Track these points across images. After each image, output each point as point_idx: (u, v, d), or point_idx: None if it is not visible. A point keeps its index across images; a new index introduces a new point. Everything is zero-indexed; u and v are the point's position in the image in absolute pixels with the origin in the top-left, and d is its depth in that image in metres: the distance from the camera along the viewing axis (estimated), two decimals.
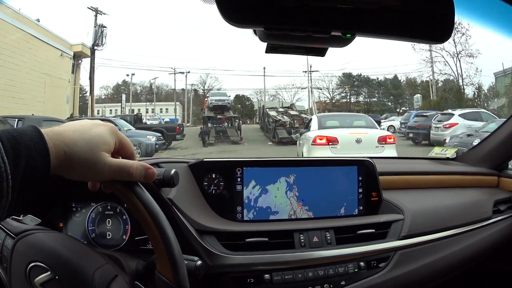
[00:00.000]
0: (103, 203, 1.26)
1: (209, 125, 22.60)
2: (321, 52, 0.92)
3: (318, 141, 8.48)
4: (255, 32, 0.79)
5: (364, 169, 1.46)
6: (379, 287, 1.30)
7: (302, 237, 1.29)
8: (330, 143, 8.34)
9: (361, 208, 1.45)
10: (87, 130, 0.71)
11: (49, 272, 0.77)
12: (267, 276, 1.21)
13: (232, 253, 1.21)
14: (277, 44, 0.87)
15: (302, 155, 9.04)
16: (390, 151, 8.29)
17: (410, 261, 1.38)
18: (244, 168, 1.37)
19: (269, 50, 0.90)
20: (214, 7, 0.67)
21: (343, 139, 8.44)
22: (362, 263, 1.30)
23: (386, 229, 1.39)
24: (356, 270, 1.29)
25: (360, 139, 8.46)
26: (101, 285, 0.76)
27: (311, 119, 10.77)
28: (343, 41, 0.80)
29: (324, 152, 8.14)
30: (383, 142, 8.48)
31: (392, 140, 8.67)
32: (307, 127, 10.46)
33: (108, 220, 1.26)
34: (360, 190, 1.45)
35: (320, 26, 0.72)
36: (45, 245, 0.82)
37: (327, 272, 1.26)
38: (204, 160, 1.39)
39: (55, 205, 1.23)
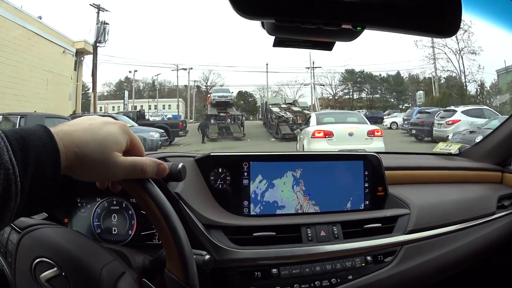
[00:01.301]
0: (108, 198, 1.26)
1: (212, 121, 22.62)
2: (328, 46, 0.92)
3: (316, 134, 10.00)
4: (263, 25, 0.79)
5: (370, 163, 1.46)
6: (385, 281, 1.30)
7: (309, 232, 1.29)
8: (326, 136, 9.85)
9: (367, 202, 1.45)
10: (97, 129, 0.68)
11: (55, 268, 0.76)
12: (274, 270, 1.21)
13: (240, 247, 1.21)
14: (285, 37, 0.87)
15: (303, 147, 10.43)
16: (377, 143, 9.75)
17: (416, 256, 1.38)
18: (251, 162, 1.37)
19: (277, 44, 0.89)
20: (220, 1, 0.67)
21: (338, 133, 9.92)
22: (369, 258, 1.31)
23: (392, 223, 1.39)
24: (363, 264, 1.29)
25: (352, 132, 9.96)
26: (109, 282, 0.76)
27: (310, 116, 12.36)
28: (352, 35, 0.80)
29: (321, 144, 9.66)
30: (372, 135, 9.95)
31: (379, 133, 10.11)
32: (307, 123, 12.06)
33: (114, 215, 1.26)
34: (366, 185, 1.45)
35: (331, 19, 0.72)
36: (52, 241, 0.81)
37: (334, 267, 1.26)
38: (211, 154, 1.38)
39: (61, 200, 1.23)
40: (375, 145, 9.41)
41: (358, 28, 0.75)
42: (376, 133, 10.00)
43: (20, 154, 0.56)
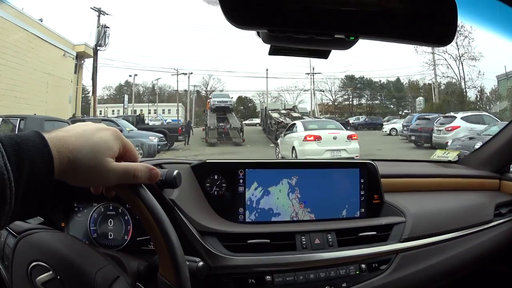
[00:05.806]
0: (105, 203, 1.26)
1: (211, 126, 22.56)
2: (324, 54, 0.92)
3: (308, 138, 12.34)
4: (258, 34, 0.79)
5: (366, 171, 1.47)
6: None
7: (303, 239, 1.29)
8: (316, 139, 12.21)
9: (362, 210, 1.45)
10: (90, 135, 0.69)
11: (51, 272, 0.77)
12: (268, 277, 1.21)
13: (234, 254, 1.21)
14: (280, 46, 0.87)
15: (293, 149, 12.50)
16: (354, 144, 12.35)
17: (412, 264, 1.38)
18: (247, 169, 1.38)
19: (272, 52, 0.90)
20: (217, 9, 0.67)
21: (325, 137, 12.31)
22: (363, 265, 1.30)
23: (387, 231, 1.39)
24: (357, 272, 1.29)
25: (336, 137, 12.41)
26: (103, 286, 0.76)
27: (294, 123, 14.79)
28: (346, 44, 0.80)
29: (312, 145, 12.07)
30: (350, 139, 12.50)
31: (355, 137, 12.69)
32: (289, 129, 14.53)
33: (110, 221, 1.26)
34: (362, 193, 1.45)
35: (324, 29, 0.72)
36: (47, 245, 0.81)
37: (328, 274, 1.26)
38: (207, 161, 1.39)
39: (57, 205, 1.23)
40: (353, 146, 12.22)
41: (351, 38, 0.75)
42: (353, 137, 12.63)
43: (14, 159, 0.57)
